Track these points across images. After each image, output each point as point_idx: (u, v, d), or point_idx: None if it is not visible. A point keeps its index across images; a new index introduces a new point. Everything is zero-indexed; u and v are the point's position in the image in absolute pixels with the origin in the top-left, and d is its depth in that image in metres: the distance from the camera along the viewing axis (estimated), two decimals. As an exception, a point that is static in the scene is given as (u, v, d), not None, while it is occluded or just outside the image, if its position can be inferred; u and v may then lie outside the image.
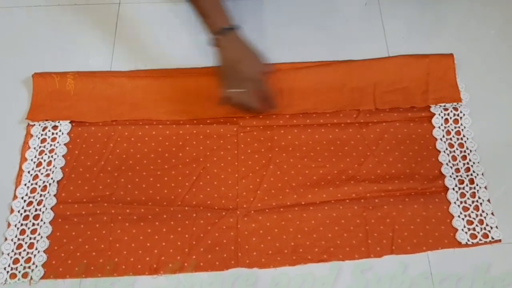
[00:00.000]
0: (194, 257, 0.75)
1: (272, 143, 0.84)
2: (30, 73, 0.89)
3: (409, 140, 0.84)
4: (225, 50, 0.75)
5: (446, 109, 0.86)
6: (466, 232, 0.76)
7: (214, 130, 0.85)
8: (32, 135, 0.85)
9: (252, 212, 0.78)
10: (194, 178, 0.81)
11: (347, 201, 0.79)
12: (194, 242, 0.76)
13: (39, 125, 0.85)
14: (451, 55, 0.90)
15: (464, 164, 0.82)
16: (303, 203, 0.79)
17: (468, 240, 0.76)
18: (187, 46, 0.95)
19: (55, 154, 0.83)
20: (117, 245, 0.76)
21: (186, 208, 0.79)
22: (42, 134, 0.85)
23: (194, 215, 0.78)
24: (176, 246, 0.76)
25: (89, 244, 0.76)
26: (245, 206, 0.79)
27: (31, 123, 0.86)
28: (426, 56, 0.90)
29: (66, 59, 0.93)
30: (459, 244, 0.76)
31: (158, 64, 0.92)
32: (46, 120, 0.85)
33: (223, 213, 0.78)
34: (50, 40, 0.94)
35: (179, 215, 0.78)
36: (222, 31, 0.75)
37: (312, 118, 0.86)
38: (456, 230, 0.77)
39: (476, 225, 0.77)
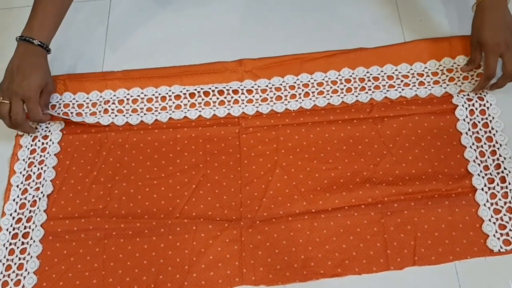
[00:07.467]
0: (194, 275, 0.69)
1: (278, 145, 0.77)
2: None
3: (430, 135, 0.76)
4: None
5: (470, 99, 0.78)
6: (498, 238, 0.68)
7: (214, 132, 0.79)
8: (21, 146, 0.80)
9: (258, 222, 0.72)
10: (194, 186, 0.75)
11: (363, 206, 0.71)
12: (194, 258, 0.70)
13: (29, 134, 0.81)
14: (475, 36, 0.81)
15: (493, 160, 0.73)
16: (313, 210, 0.72)
17: (501, 247, 0.68)
18: (184, 42, 0.88)
19: (45, 165, 0.78)
20: (112, 263, 0.70)
21: (185, 220, 0.72)
22: (31, 145, 0.80)
23: (194, 227, 0.72)
24: (175, 263, 0.70)
25: (81, 263, 0.71)
26: (249, 216, 0.72)
27: (20, 133, 0.81)
28: (446, 39, 0.82)
29: (56, 60, 0.86)
30: (491, 252, 0.68)
31: (153, 63, 0.85)
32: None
33: (226, 225, 0.72)
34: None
35: (178, 229, 0.72)
36: None
37: (320, 115, 0.79)
38: (487, 236, 0.68)
39: (510, 230, 0.69)
